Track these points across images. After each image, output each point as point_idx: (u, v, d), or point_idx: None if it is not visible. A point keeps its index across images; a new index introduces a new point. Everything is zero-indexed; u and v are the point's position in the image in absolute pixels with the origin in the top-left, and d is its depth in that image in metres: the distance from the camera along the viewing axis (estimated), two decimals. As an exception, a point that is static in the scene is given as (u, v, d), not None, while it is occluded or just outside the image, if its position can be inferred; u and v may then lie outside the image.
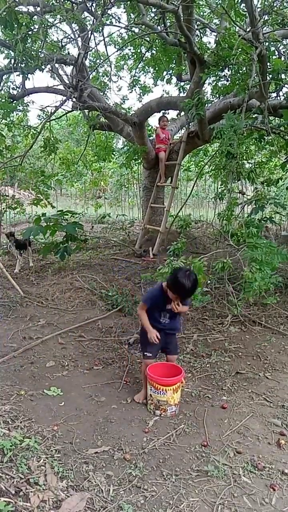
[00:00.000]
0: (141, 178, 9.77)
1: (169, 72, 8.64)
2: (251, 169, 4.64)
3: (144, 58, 8.45)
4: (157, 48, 7.83)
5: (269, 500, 2.06)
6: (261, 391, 3.14)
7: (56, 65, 6.55)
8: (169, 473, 2.23)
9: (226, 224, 3.90)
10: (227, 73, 5.26)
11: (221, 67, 4.93)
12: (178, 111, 8.09)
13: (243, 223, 3.90)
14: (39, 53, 5.24)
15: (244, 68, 4.75)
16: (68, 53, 7.06)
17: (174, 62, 8.07)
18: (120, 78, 9.39)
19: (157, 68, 8.41)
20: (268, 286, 3.18)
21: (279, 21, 4.89)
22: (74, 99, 6.15)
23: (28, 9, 5.41)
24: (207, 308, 4.86)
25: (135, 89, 9.00)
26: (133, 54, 8.71)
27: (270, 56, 4.71)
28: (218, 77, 5.62)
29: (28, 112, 7.56)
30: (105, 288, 5.31)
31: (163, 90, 18.35)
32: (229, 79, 5.24)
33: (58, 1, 5.45)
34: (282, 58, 4.87)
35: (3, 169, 6.97)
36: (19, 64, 5.26)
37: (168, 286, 2.81)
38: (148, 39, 7.57)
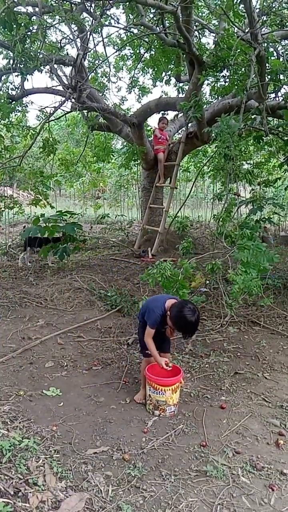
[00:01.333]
0: (140, 179, 9.78)
1: (168, 73, 8.66)
2: (248, 170, 4.65)
3: (143, 59, 8.47)
4: (156, 49, 7.84)
5: (268, 500, 2.07)
6: (260, 391, 3.15)
7: (55, 65, 6.56)
8: (168, 473, 2.23)
9: (221, 225, 3.91)
10: (225, 74, 5.28)
11: (219, 68, 4.95)
12: (177, 111, 8.10)
13: (237, 224, 3.91)
14: (38, 54, 5.24)
15: (243, 69, 4.77)
16: (67, 54, 7.07)
17: (173, 63, 8.09)
18: (119, 79, 9.42)
19: (156, 69, 8.43)
20: (250, 289, 3.18)
21: (278, 22, 4.90)
22: (73, 100, 6.17)
23: (27, 9, 5.43)
24: (205, 308, 4.86)
25: (134, 90, 9.02)
26: (132, 55, 8.73)
27: (269, 57, 4.72)
28: (216, 78, 5.64)
29: (27, 113, 7.55)
30: (104, 289, 5.31)
31: (162, 91, 18.40)
32: (228, 79, 5.26)
33: (57, 1, 5.46)
34: (281, 59, 4.88)
35: (2, 169, 6.97)
36: (18, 65, 5.27)
37: (170, 318, 2.77)
38: (147, 40, 7.58)
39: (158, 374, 2.85)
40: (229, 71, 5.06)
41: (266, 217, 6.06)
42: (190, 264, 3.48)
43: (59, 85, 7.04)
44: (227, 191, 4.09)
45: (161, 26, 6.17)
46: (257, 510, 2.01)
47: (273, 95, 5.83)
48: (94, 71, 8.15)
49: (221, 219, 3.90)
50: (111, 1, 5.17)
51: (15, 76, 5.91)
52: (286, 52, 4.96)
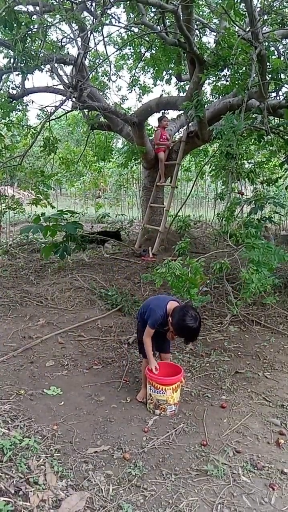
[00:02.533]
0: (141, 178, 9.78)
1: (168, 72, 8.65)
2: (251, 169, 4.64)
3: (143, 58, 8.46)
4: (157, 48, 7.83)
5: (268, 499, 2.07)
6: (260, 390, 3.15)
7: (56, 65, 6.56)
8: (168, 473, 2.23)
9: (225, 224, 3.89)
10: (226, 73, 5.27)
11: (220, 67, 4.93)
12: (178, 111, 8.09)
13: (242, 223, 3.89)
14: (39, 53, 5.23)
15: (244, 68, 4.76)
16: (68, 53, 7.07)
17: (173, 62, 8.08)
18: (120, 78, 9.40)
19: (156, 68, 8.42)
20: (265, 287, 3.17)
21: (279, 21, 4.89)
22: (73, 99, 6.16)
23: (27, 8, 5.42)
24: (206, 307, 4.86)
25: (134, 89, 9.01)
26: (132, 54, 8.72)
27: (270, 56, 4.71)
28: (217, 77, 5.63)
29: (28, 112, 7.56)
30: (104, 288, 5.32)
31: (162, 90, 18.40)
32: (229, 79, 5.24)
33: (57, 0, 5.45)
34: (282, 58, 4.87)
35: (2, 168, 6.97)
36: (19, 64, 5.26)
37: (172, 324, 2.75)
38: (147, 39, 7.57)
39: (159, 373, 2.85)
40: (230, 70, 5.05)
41: (267, 216, 6.05)
42: (199, 263, 3.46)
43: (60, 84, 7.04)
44: (229, 190, 4.08)
45: (162, 25, 6.16)
46: (257, 509, 2.01)
47: (274, 94, 5.82)
48: (95, 70, 8.14)
49: (225, 218, 3.88)
50: (111, 0, 5.16)
51: (16, 75, 5.90)
52: (287, 51, 4.95)
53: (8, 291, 5.14)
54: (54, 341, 3.94)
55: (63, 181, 12.68)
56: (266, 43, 4.61)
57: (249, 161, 6.49)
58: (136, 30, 7.53)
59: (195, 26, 6.13)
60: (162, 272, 3.29)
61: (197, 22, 6.53)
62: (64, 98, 6.10)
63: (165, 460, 2.34)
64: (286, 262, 6.54)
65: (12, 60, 5.57)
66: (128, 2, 6.26)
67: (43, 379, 3.22)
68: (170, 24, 6.42)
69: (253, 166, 5.50)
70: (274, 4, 5.03)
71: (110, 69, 8.43)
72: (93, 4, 5.73)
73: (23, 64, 5.23)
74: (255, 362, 3.64)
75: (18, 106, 6.80)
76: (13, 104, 6.38)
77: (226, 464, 2.31)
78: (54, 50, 6.06)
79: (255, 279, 3.09)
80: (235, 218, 4.04)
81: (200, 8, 7.76)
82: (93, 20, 6.11)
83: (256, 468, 2.28)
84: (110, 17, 6.68)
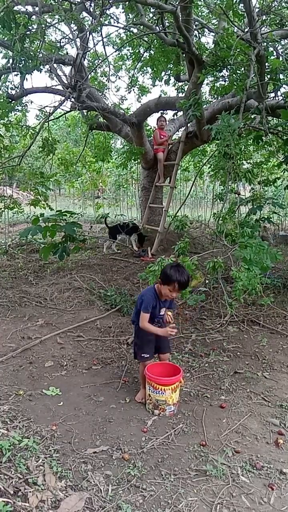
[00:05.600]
0: (140, 178, 9.78)
1: (167, 73, 8.65)
2: (248, 170, 4.65)
3: (142, 59, 8.46)
4: (156, 49, 7.83)
5: (267, 499, 2.07)
6: (259, 390, 3.15)
7: (55, 65, 6.57)
8: (167, 473, 2.23)
9: (221, 224, 3.90)
10: (225, 74, 5.28)
11: (219, 68, 4.94)
12: (176, 111, 8.09)
13: (238, 223, 3.90)
14: (38, 53, 5.24)
15: (242, 68, 4.77)
16: (67, 53, 7.07)
17: (172, 62, 8.08)
18: (119, 78, 9.43)
19: (155, 69, 8.42)
20: (254, 286, 3.17)
21: (277, 21, 4.90)
22: (72, 99, 6.16)
23: (26, 9, 5.42)
24: (205, 307, 4.86)
25: (133, 90, 9.02)
26: (131, 54, 8.72)
27: (268, 56, 4.72)
28: (216, 77, 5.64)
29: (27, 112, 7.56)
30: (103, 288, 5.31)
31: (161, 91, 18.41)
32: (227, 79, 5.25)
33: (56, 1, 5.45)
34: (280, 58, 4.88)
35: (1, 169, 6.97)
36: (18, 64, 5.26)
37: (162, 283, 2.80)
38: (146, 39, 7.58)
39: (158, 374, 2.86)
40: (228, 71, 5.06)
41: (266, 217, 6.06)
42: (192, 262, 3.47)
43: (59, 84, 7.04)
44: (228, 190, 4.08)
45: (161, 25, 6.17)
46: (256, 509, 2.01)
47: (272, 95, 5.83)
48: (94, 71, 8.15)
49: (221, 218, 3.89)
50: (110, 1, 5.16)
51: (15, 75, 5.91)
52: (286, 52, 4.96)
53: (7, 292, 5.14)
54: (53, 341, 3.94)
55: (62, 182, 12.69)
56: (265, 44, 4.62)
57: (248, 161, 6.50)
58: (135, 30, 7.53)
59: (194, 27, 6.14)
60: (155, 270, 3.31)
61: (196, 23, 6.54)
62: (63, 98, 6.10)
63: (164, 460, 2.34)
64: (285, 263, 6.56)
65: (11, 61, 5.57)
66: (127, 2, 6.26)
67: (42, 380, 3.22)
68: (169, 24, 6.43)
69: (251, 167, 5.51)
70: (273, 5, 5.04)
71: (109, 70, 8.44)
72: (92, 4, 5.74)
73: (21, 65, 5.24)
74: (254, 362, 3.64)
75: (17, 106, 6.80)
76: (12, 105, 6.38)
77: (225, 464, 2.31)
78: (53, 51, 6.06)
79: (243, 277, 3.11)
80: (231, 218, 4.05)
81: (199, 9, 7.77)
82: (92, 21, 6.12)
83: (255, 468, 2.28)
84: (109, 17, 6.69)
